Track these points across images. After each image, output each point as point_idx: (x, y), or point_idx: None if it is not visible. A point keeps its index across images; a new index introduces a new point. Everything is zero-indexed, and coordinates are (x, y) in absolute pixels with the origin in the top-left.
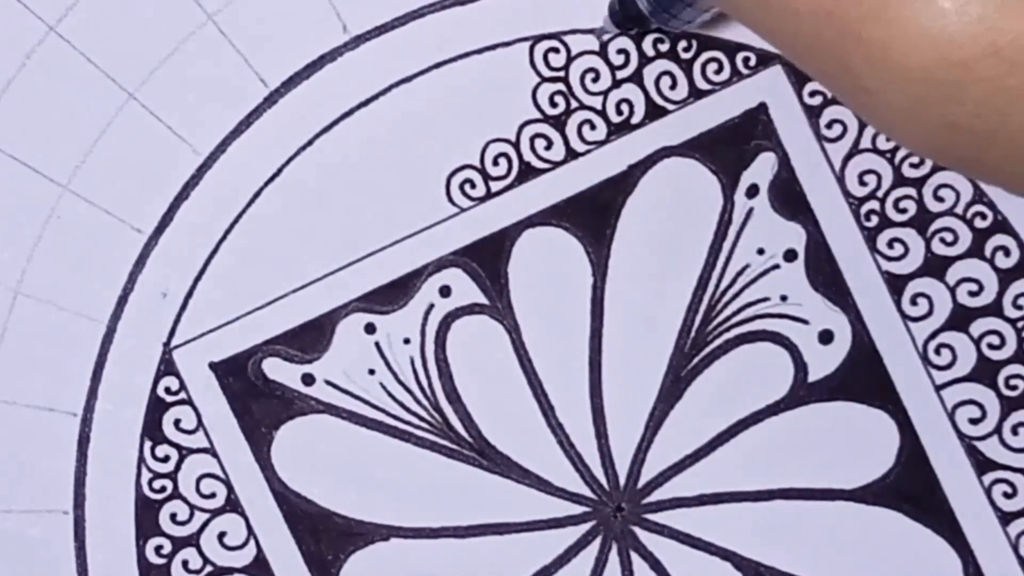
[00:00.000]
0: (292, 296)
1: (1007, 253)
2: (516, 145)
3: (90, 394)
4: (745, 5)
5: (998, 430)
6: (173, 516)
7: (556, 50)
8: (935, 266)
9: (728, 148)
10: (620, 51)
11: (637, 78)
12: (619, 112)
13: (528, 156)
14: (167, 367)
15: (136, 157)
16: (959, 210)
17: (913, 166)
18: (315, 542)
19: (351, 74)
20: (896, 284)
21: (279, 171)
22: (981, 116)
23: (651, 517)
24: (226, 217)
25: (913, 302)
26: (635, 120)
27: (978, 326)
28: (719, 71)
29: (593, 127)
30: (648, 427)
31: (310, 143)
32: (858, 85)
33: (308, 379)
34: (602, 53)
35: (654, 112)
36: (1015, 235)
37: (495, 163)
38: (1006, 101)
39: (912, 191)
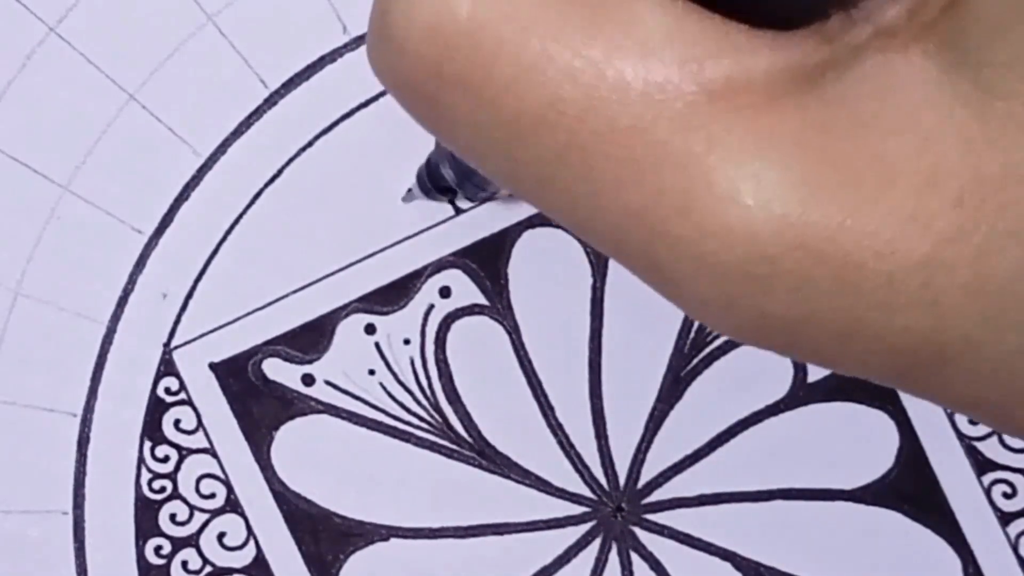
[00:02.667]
0: (292, 296)
1: None
2: None
3: (90, 394)
4: (552, 204)
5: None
6: (173, 516)
7: None
8: None
9: None
10: None
11: None
12: None
13: None
14: (167, 367)
15: (136, 157)
16: None
17: None
18: (315, 542)
19: (351, 75)
20: None
21: (279, 172)
22: (791, 305)
23: (651, 517)
24: (226, 218)
25: None
26: None
27: None
28: None
29: None
30: (648, 427)
31: (310, 144)
32: (670, 280)
33: (308, 379)
34: None
35: None
36: None
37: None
38: (815, 291)
39: None
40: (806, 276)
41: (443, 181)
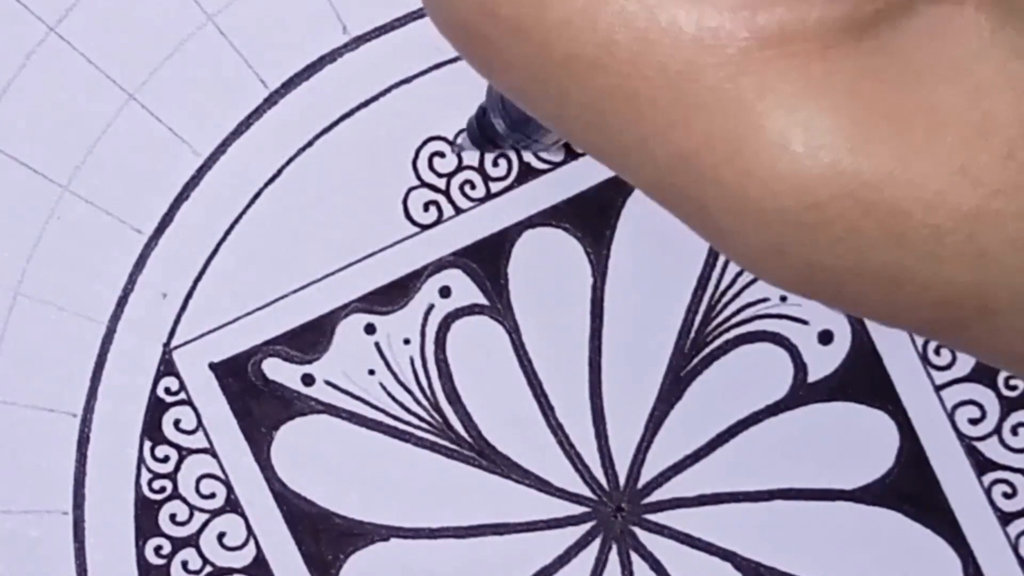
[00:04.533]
0: (292, 296)
1: None
2: None
3: (90, 394)
4: (602, 148)
5: (998, 430)
6: (173, 516)
7: None
8: None
9: None
10: None
11: None
12: None
13: (528, 156)
14: (167, 367)
15: (136, 157)
16: None
17: None
18: (315, 542)
19: (351, 75)
20: None
21: (279, 172)
22: (838, 255)
23: (651, 517)
24: (226, 217)
25: None
26: None
27: None
28: None
29: None
30: (648, 427)
31: (310, 144)
32: (717, 227)
33: (308, 379)
34: None
35: None
36: None
37: (495, 164)
38: (862, 241)
39: None
40: (853, 225)
41: (493, 131)
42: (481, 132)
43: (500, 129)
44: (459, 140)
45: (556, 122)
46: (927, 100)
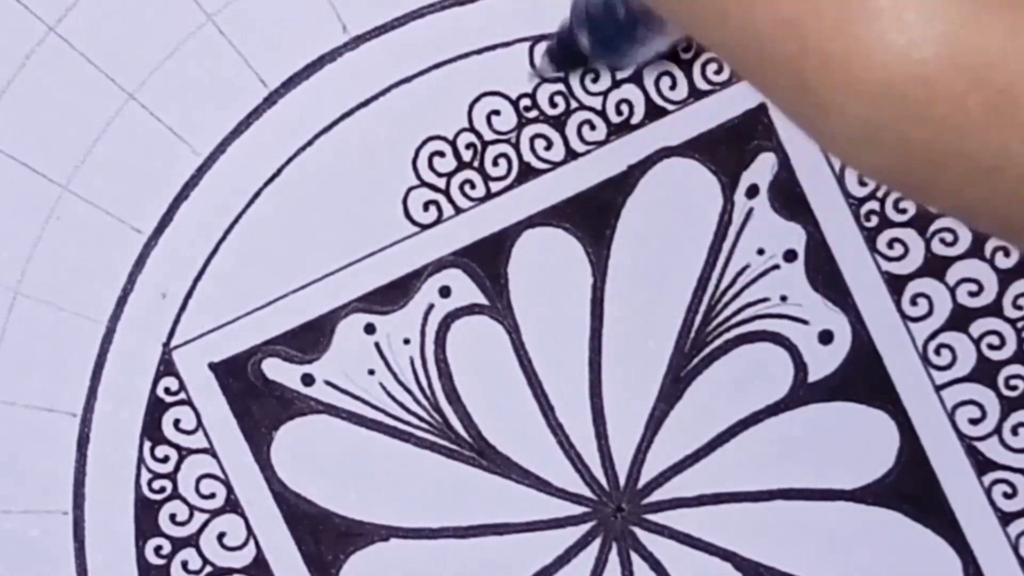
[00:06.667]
0: (292, 296)
1: (1007, 253)
2: (516, 145)
3: (90, 394)
4: (703, 21)
5: (998, 430)
6: (172, 516)
7: None
8: (935, 266)
9: (728, 148)
10: None
11: (637, 78)
12: (619, 112)
13: (528, 156)
14: (167, 367)
15: (136, 157)
16: None
17: None
18: (315, 542)
19: (351, 74)
20: (896, 284)
21: (279, 171)
22: (941, 136)
23: (651, 517)
24: (226, 217)
25: (913, 302)
26: (635, 120)
27: (978, 326)
28: (719, 71)
29: (593, 127)
30: (648, 427)
31: (310, 143)
32: (815, 103)
33: (308, 379)
34: None
35: (654, 112)
36: None
37: (495, 163)
38: (967, 120)
39: None
40: (960, 103)
41: (577, 49)
42: (563, 51)
43: (584, 48)
44: (537, 64)
45: None
46: None
